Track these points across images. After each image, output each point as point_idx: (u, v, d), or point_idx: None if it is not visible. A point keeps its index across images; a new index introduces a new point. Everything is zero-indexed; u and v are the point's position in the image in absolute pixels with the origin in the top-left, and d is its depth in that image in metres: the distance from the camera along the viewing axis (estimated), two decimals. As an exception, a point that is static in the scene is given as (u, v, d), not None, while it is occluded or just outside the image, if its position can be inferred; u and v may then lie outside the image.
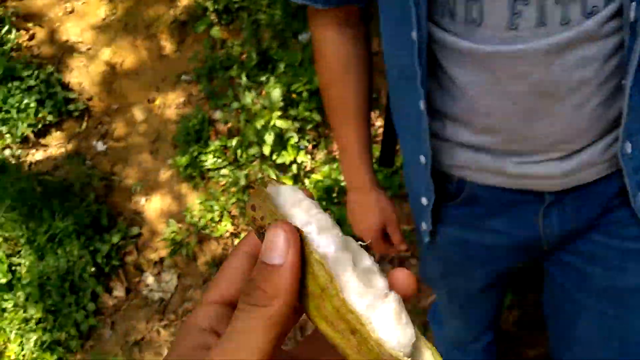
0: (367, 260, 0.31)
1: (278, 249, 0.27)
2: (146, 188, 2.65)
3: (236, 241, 2.47)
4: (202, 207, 2.46)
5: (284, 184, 0.35)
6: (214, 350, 0.27)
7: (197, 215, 2.46)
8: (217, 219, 2.44)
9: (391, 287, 0.31)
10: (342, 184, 2.33)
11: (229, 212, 2.47)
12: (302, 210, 0.31)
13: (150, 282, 2.44)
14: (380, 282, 0.30)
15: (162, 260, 2.48)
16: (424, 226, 0.98)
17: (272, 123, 2.32)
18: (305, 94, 2.45)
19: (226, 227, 2.43)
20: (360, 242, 0.33)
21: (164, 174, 2.67)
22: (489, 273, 1.05)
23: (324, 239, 0.30)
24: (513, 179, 0.84)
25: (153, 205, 2.61)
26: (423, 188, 0.92)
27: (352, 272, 0.29)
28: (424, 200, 0.93)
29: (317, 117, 2.46)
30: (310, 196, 0.34)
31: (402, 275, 0.31)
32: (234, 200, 2.44)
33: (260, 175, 2.41)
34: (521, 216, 0.89)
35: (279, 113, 2.37)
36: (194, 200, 2.52)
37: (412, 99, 0.80)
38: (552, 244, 0.92)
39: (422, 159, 0.87)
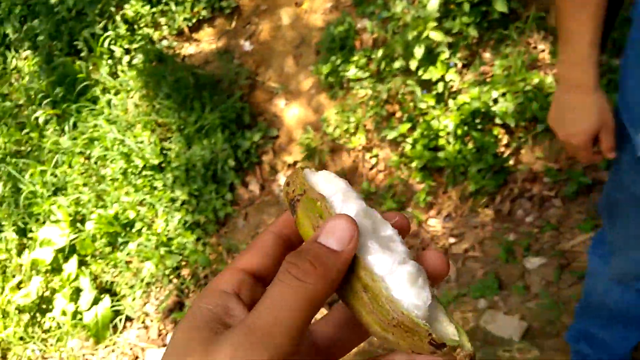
0: (389, 230, 0.34)
1: (340, 237, 0.30)
2: (286, 92, 2.85)
3: (367, 155, 2.60)
4: (339, 117, 2.59)
5: (321, 170, 0.38)
6: (249, 317, 0.28)
7: (333, 125, 2.60)
8: (352, 130, 2.57)
9: (423, 266, 0.33)
10: (492, 108, 2.27)
11: (364, 126, 2.58)
12: (332, 185, 0.35)
13: (283, 182, 2.71)
14: (400, 247, 0.33)
15: (295, 163, 2.72)
16: None
17: (424, 35, 2.29)
18: (466, 6, 2.35)
19: (360, 139, 2.55)
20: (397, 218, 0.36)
21: (305, 81, 2.83)
22: None
23: (347, 206, 0.33)
24: None
25: (291, 110, 2.82)
26: None
27: (370, 236, 0.32)
28: None
29: (473, 32, 2.36)
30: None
31: (434, 256, 0.33)
32: (371, 113, 2.53)
33: (402, 89, 2.44)
34: None
35: (433, 24, 2.32)
36: (331, 110, 2.66)
37: None
38: None
39: None
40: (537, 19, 2.42)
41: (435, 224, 2.30)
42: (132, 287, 2.75)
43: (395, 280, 0.31)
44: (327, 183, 0.36)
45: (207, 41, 3.10)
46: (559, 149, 2.23)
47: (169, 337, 2.66)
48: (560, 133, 1.05)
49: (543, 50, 2.39)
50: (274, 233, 0.36)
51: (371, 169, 2.58)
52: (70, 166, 3.03)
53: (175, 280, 2.72)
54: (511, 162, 2.30)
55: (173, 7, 3.09)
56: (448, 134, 2.34)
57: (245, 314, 0.30)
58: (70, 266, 2.79)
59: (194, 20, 3.09)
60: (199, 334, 0.29)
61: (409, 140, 2.42)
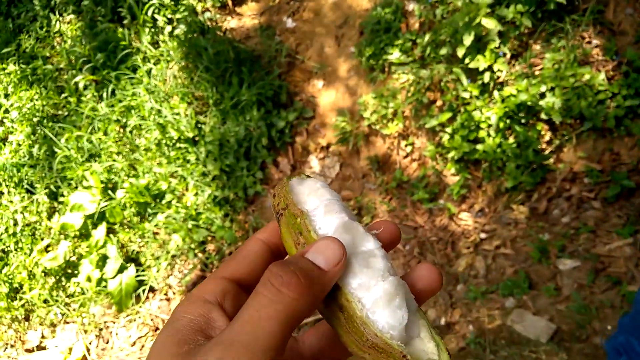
0: (370, 244, 0.35)
1: (329, 257, 0.32)
2: (325, 73, 2.97)
3: (403, 143, 2.69)
4: (377, 102, 2.70)
5: (309, 177, 0.40)
6: (227, 330, 0.29)
7: (370, 110, 2.71)
8: (389, 116, 2.67)
9: (414, 283, 0.35)
10: (539, 102, 2.33)
11: (403, 113, 2.67)
12: (315, 197, 0.38)
13: (314, 165, 2.85)
14: (379, 263, 0.34)
15: (328, 146, 2.85)
16: None
17: (476, 21, 2.35)
18: (520, -6, 2.40)
19: (397, 126, 2.65)
20: (375, 232, 0.37)
21: (345, 62, 2.94)
22: None
23: (327, 221, 0.36)
24: None
25: (329, 91, 2.94)
26: None
27: (348, 253, 0.34)
28: None
29: (527, 22, 2.41)
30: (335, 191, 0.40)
31: (427, 269, 0.35)
32: (411, 100, 2.62)
33: (446, 77, 2.52)
34: None
35: (486, 10, 2.38)
36: (369, 94, 2.77)
37: None
38: None
39: None
40: (595, 13, 2.45)
41: (467, 218, 2.39)
42: (157, 258, 2.94)
43: (371, 299, 0.32)
44: (311, 195, 0.38)
45: (249, 16, 3.24)
46: (603, 150, 2.27)
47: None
48: None
49: (597, 46, 2.42)
50: (261, 241, 0.37)
51: (405, 157, 2.68)
52: (105, 133, 3.24)
53: (200, 255, 2.89)
54: (552, 160, 2.35)
55: (218, -20, 3.25)
56: (489, 126, 2.41)
57: (227, 324, 0.32)
58: (99, 233, 3.00)
59: (237, -6, 3.24)
60: (177, 347, 0.30)
61: (448, 130, 2.50)
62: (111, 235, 3.00)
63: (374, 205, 2.61)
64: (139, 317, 2.87)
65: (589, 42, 2.45)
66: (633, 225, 2.09)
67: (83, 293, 3.01)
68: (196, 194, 3.01)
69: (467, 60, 2.45)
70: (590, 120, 2.27)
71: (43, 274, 3.11)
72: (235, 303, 0.34)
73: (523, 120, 2.40)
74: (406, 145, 2.68)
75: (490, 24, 2.32)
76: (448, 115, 2.47)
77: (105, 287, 2.91)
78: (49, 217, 3.28)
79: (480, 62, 2.39)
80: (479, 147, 2.41)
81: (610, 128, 2.28)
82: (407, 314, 0.33)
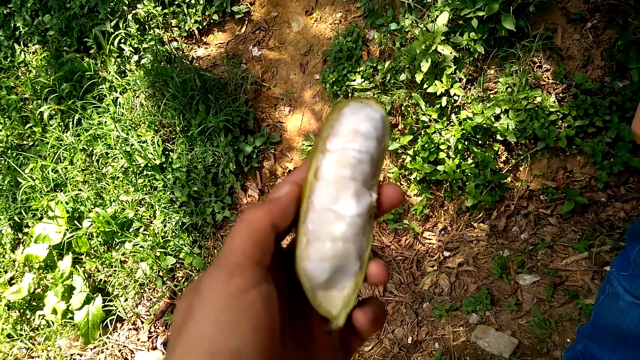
0: (353, 208, 0.39)
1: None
2: (291, 99, 3.04)
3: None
4: (342, 126, 2.76)
5: (369, 103, 0.42)
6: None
7: (336, 134, 2.77)
8: (354, 140, 2.74)
9: (380, 198, 0.40)
10: (494, 125, 2.43)
11: (367, 136, 2.75)
12: (346, 138, 0.40)
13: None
14: (346, 213, 0.39)
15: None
16: None
17: (433, 48, 2.46)
18: (474, 22, 2.53)
19: (362, 150, 2.72)
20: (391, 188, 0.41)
21: (310, 88, 3.02)
22: None
23: (329, 169, 0.40)
24: None
25: (295, 116, 3.00)
26: None
27: (327, 196, 0.39)
28: None
29: (480, 48, 2.53)
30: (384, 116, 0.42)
31: (390, 188, 0.41)
32: (374, 124, 2.70)
33: (406, 102, 2.61)
34: None
35: (441, 38, 2.49)
36: (334, 119, 2.83)
37: None
38: None
39: None
40: (544, 39, 2.59)
41: (431, 237, 2.45)
42: (125, 287, 2.90)
43: (312, 254, 0.39)
44: (348, 134, 0.40)
45: (216, 45, 3.30)
46: (556, 168, 2.38)
47: (160, 340, 2.81)
48: None
49: (547, 70, 2.55)
50: (293, 182, 0.42)
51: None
52: (71, 163, 3.22)
53: (169, 283, 2.87)
54: (509, 179, 2.45)
55: (185, 10, 3.31)
56: (449, 147, 2.50)
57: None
58: (65, 263, 2.95)
59: (204, 24, 3.30)
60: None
61: (410, 152, 2.58)
62: (77, 266, 2.95)
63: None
64: (107, 349, 2.81)
65: (540, 67, 2.59)
66: (587, 239, 2.18)
67: (48, 326, 2.94)
68: (164, 221, 3.00)
69: (425, 86, 2.55)
70: (543, 140, 2.38)
71: (6, 308, 3.03)
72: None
73: (480, 142, 2.49)
74: (371, 168, 2.74)
75: (446, 50, 2.43)
76: (409, 138, 2.56)
77: (71, 318, 2.85)
78: (13, 249, 3.21)
79: (438, 87, 2.49)
80: (440, 168, 2.49)
81: (562, 147, 2.39)
82: (332, 270, 0.38)
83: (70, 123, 3.27)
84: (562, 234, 2.20)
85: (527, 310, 2.10)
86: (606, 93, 2.37)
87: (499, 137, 2.44)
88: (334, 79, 2.84)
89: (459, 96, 2.56)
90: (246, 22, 3.28)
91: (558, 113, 2.40)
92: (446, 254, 2.34)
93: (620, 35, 2.38)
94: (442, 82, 2.51)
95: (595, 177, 2.33)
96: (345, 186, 0.39)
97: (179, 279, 2.90)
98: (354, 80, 2.79)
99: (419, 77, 2.53)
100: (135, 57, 3.36)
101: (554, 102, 2.42)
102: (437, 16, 2.55)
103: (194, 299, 0.34)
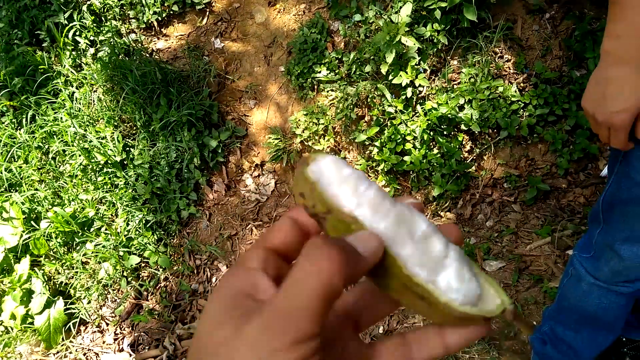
0: (423, 224, 0.36)
1: (367, 246, 0.33)
2: (256, 91, 2.99)
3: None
4: (308, 118, 2.75)
5: (323, 155, 0.37)
6: (274, 299, 0.31)
7: (302, 126, 2.75)
8: (321, 132, 2.72)
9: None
10: (458, 115, 2.47)
11: (333, 128, 2.74)
12: (350, 190, 0.35)
13: (249, 184, 2.84)
14: (438, 245, 0.35)
15: (262, 164, 2.85)
16: None
17: (397, 39, 2.47)
18: (437, 13, 2.54)
19: (329, 141, 2.71)
20: (411, 201, 0.38)
21: (275, 81, 2.98)
22: None
23: (378, 219, 0.35)
24: None
25: (261, 110, 2.96)
26: None
27: (410, 246, 0.35)
28: None
29: (443, 39, 2.55)
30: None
31: (450, 229, 0.37)
32: (340, 116, 2.69)
33: (372, 93, 2.61)
34: None
35: (405, 29, 2.50)
36: (300, 111, 2.81)
37: None
38: None
39: None
40: (505, 30, 2.64)
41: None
42: (87, 289, 2.81)
43: (445, 281, 0.35)
44: (342, 186, 0.36)
45: (176, 37, 3.22)
46: (519, 157, 2.44)
47: (126, 341, 2.73)
48: (599, 114, 1.04)
49: (509, 60, 2.61)
50: (292, 219, 0.38)
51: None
52: (26, 161, 3.08)
53: (133, 282, 2.79)
54: (473, 168, 2.49)
55: (143, 0, 3.21)
56: (415, 138, 2.52)
57: (272, 288, 0.33)
58: (22, 267, 2.82)
59: (163, 15, 3.20)
60: (231, 311, 0.32)
61: (377, 143, 2.58)
62: (36, 269, 2.83)
63: (310, 220, 2.64)
64: (70, 353, 2.72)
65: (501, 57, 2.63)
66: (550, 225, 2.24)
67: (7, 332, 2.81)
68: (126, 220, 2.91)
69: (390, 77, 2.55)
70: (505, 129, 2.43)
71: (-40, 316, 2.88)
72: (277, 270, 0.36)
73: (445, 132, 2.52)
74: (338, 160, 2.74)
75: (410, 42, 2.44)
76: (375, 129, 2.56)
77: (31, 323, 2.74)
78: (-35, 254, 3.05)
79: (403, 79, 2.50)
80: (406, 158, 2.51)
81: (524, 136, 2.45)
82: (477, 282, 0.36)
83: (24, 120, 3.12)
84: (525, 220, 2.25)
85: (494, 296, 2.15)
86: (565, 82, 2.44)
87: (463, 127, 2.47)
88: (299, 71, 2.81)
89: (423, 87, 2.58)
90: (207, 13, 3.21)
91: (519, 102, 2.45)
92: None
93: (577, 26, 2.44)
94: (406, 73, 2.52)
95: (556, 164, 2.39)
96: (405, 218, 0.36)
97: (144, 278, 2.83)
98: (320, 72, 2.77)
99: (384, 69, 2.53)
100: (92, 50, 3.23)
101: (515, 91, 2.47)
102: (401, 7, 2.56)
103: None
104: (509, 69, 2.60)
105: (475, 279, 0.36)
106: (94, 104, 3.09)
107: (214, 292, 0.34)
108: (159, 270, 2.80)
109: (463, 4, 2.52)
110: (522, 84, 2.51)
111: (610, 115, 1.02)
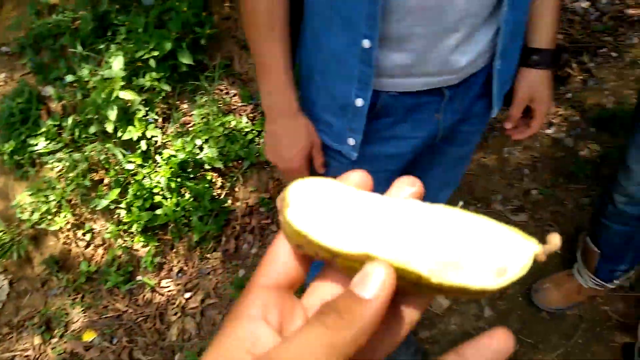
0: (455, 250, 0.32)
1: (372, 286, 0.29)
2: (-38, 183, 2.47)
3: (79, 232, 2.42)
4: (35, 198, 2.36)
5: (296, 188, 0.33)
6: (272, 354, 0.28)
7: (29, 209, 2.36)
8: (53, 210, 2.36)
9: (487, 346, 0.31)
10: (198, 157, 2.42)
11: (69, 201, 2.41)
12: (349, 228, 0.31)
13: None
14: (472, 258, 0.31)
15: (-11, 265, 2.35)
16: (351, 141, 1.09)
17: (114, 95, 2.31)
18: (152, 62, 2.48)
19: (66, 217, 2.37)
20: (408, 192, 0.35)
21: (-15, 165, 2.51)
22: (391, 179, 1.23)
23: (390, 244, 0.31)
24: (430, 76, 1.02)
25: (-28, 203, 2.45)
26: (356, 86, 1.00)
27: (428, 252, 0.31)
28: (359, 102, 1.02)
29: (166, 87, 2.50)
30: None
31: (502, 335, 0.30)
32: (73, 187, 2.39)
33: (103, 155, 2.39)
34: (424, 116, 1.11)
35: (122, 83, 2.37)
36: (24, 192, 2.41)
37: None
38: (441, 137, 1.19)
39: (367, 43, 0.94)
40: (224, 67, 2.72)
41: (168, 284, 2.27)
42: None
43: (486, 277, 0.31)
44: (341, 225, 0.31)
45: None
46: (266, 180, 2.50)
47: None
48: (279, 163, 1.13)
49: (235, 95, 2.69)
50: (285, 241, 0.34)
51: (87, 246, 2.42)
52: None
53: None
54: (229, 201, 2.47)
55: None
56: (162, 189, 2.38)
57: (274, 340, 0.30)
58: None
59: None
60: None
61: (123, 205, 2.36)
62: None
63: (65, 311, 2.26)
64: None
65: (227, 93, 2.70)
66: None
67: None
68: None
69: (120, 134, 2.38)
70: (247, 158, 2.47)
71: None
72: (280, 313, 0.32)
73: (192, 175, 2.45)
74: (84, 234, 2.42)
75: (129, 95, 2.32)
76: (117, 191, 2.35)
77: None
78: None
79: (133, 133, 2.36)
80: (159, 211, 2.35)
81: (266, 161, 2.52)
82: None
83: None
84: (286, 238, 2.30)
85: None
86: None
87: (207, 166, 2.43)
88: (11, 149, 2.42)
89: (157, 137, 2.47)
90: None
91: (253, 131, 2.53)
92: (187, 295, 2.20)
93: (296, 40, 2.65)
94: (135, 127, 2.38)
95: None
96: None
97: None
98: (37, 144, 2.43)
99: (109, 127, 2.35)
100: None
101: (247, 122, 2.54)
102: (113, 62, 2.43)
103: None
104: (237, 102, 2.68)
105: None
106: None
107: (212, 345, 0.31)
108: None
109: (177, 50, 2.52)
110: (251, 115, 2.61)
111: (288, 163, 1.11)
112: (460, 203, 0.35)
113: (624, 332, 1.82)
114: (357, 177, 0.35)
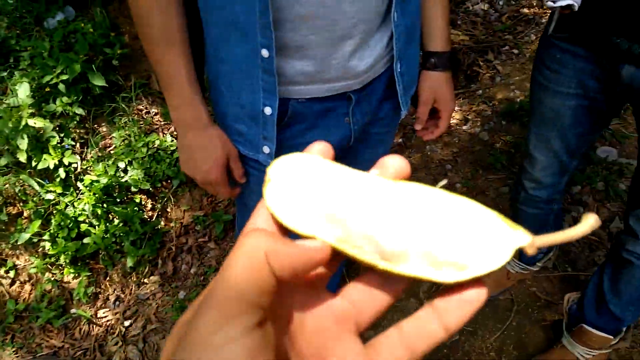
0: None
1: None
2: None
3: (2, 270, 2.29)
4: (-53, 241, 2.20)
5: (274, 170, 0.33)
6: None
7: (-58, 253, 2.20)
8: (-30, 251, 2.22)
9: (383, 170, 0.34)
10: (123, 180, 2.36)
11: (-13, 240, 2.27)
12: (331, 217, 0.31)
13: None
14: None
15: None
16: (266, 149, 1.08)
17: (22, 123, 2.20)
18: (61, 86, 2.38)
19: (-14, 257, 2.23)
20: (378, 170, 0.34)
21: None
22: None
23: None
24: (333, 82, 1.06)
25: None
26: (262, 95, 1.00)
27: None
28: (267, 110, 1.02)
29: (79, 111, 2.41)
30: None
31: (393, 160, 0.34)
32: (-11, 223, 2.25)
33: (18, 187, 2.27)
34: (335, 121, 1.14)
35: (30, 111, 2.26)
36: None
37: None
38: (354, 140, 1.22)
39: (265, 52, 0.95)
40: (141, 87, 2.66)
41: (106, 314, 2.21)
42: None
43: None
44: (321, 211, 0.31)
45: None
46: (200, 197, 2.49)
47: None
48: (197, 176, 1.11)
49: (156, 114, 2.64)
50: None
51: (12, 284, 2.29)
52: None
53: None
54: (162, 223, 2.43)
55: None
56: (88, 217, 2.30)
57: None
58: None
59: None
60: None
61: (47, 237, 2.26)
62: None
63: (-6, 356, 2.12)
64: None
65: (148, 112, 2.65)
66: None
67: None
68: None
69: (34, 163, 2.27)
70: (176, 177, 2.44)
71: None
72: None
73: (119, 199, 2.39)
74: (7, 271, 2.29)
75: (39, 122, 2.22)
76: (38, 222, 2.24)
77: None
78: None
79: (49, 161, 2.26)
80: (87, 240, 2.27)
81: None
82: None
83: None
84: (224, 254, 2.31)
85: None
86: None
87: (134, 189, 2.38)
88: None
89: (76, 163, 2.38)
90: None
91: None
92: (127, 323, 2.15)
93: (202, 53, 2.64)
94: (51, 155, 2.28)
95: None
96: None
97: None
98: (-58, 183, 2.26)
99: (22, 157, 2.23)
100: None
101: (172, 140, 2.51)
102: (18, 89, 2.30)
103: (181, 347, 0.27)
104: (160, 121, 2.64)
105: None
106: None
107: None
108: None
109: (87, 72, 2.43)
110: (175, 132, 2.57)
111: (205, 176, 1.10)
112: (441, 182, 0.32)
113: (553, 311, 2.00)
114: (320, 148, 0.36)
